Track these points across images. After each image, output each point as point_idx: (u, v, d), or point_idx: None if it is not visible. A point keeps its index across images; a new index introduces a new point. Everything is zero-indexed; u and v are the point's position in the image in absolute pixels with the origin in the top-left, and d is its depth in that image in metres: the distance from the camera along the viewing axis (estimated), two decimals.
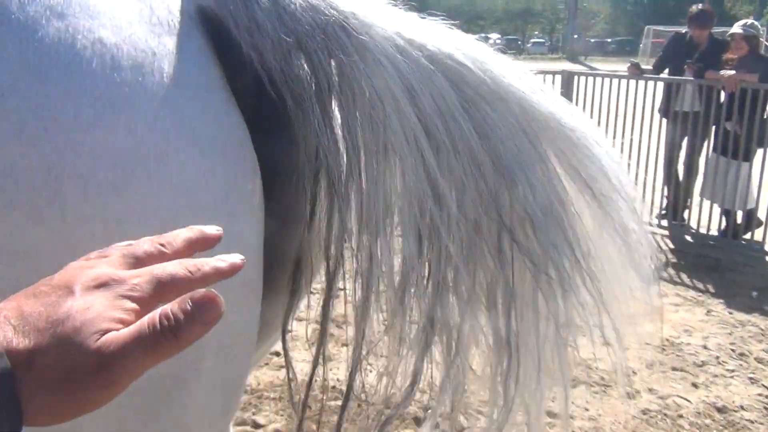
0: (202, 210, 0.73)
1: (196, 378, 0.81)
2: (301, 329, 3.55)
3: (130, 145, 0.67)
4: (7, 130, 0.61)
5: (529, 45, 55.31)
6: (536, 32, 66.49)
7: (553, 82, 6.05)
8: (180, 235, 0.58)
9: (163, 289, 0.52)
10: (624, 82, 6.05)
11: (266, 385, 3.01)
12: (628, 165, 5.64)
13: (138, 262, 0.55)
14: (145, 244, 0.57)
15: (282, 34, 0.78)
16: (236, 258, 0.56)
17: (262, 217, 0.83)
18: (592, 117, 5.72)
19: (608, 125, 5.80)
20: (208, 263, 0.55)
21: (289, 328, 3.79)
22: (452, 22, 1.02)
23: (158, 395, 0.79)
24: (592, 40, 51.52)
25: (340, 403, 2.81)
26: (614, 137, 5.79)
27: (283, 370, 3.12)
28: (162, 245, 0.57)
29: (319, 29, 0.80)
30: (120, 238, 0.58)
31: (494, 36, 57.62)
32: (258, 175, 0.82)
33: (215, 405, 0.89)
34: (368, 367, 3.50)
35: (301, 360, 3.28)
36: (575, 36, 45.40)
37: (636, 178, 5.58)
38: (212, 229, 0.59)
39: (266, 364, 3.21)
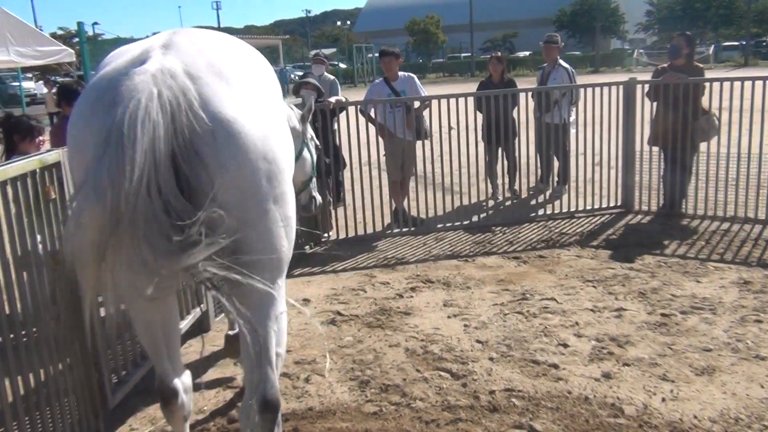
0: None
1: None
2: (581, 344, 3.61)
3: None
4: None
5: None
6: None
7: None
8: None
9: None
10: None
11: (544, 394, 3.14)
12: None
13: None
14: None
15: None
16: None
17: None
18: None
19: None
20: None
21: (567, 343, 3.90)
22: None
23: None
24: None
25: (618, 420, 2.83)
26: None
27: (561, 382, 3.21)
28: None
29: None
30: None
31: None
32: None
33: None
34: (652, 389, 3.40)
35: (579, 375, 3.32)
36: None
37: None
38: None
39: (544, 374, 3.33)
